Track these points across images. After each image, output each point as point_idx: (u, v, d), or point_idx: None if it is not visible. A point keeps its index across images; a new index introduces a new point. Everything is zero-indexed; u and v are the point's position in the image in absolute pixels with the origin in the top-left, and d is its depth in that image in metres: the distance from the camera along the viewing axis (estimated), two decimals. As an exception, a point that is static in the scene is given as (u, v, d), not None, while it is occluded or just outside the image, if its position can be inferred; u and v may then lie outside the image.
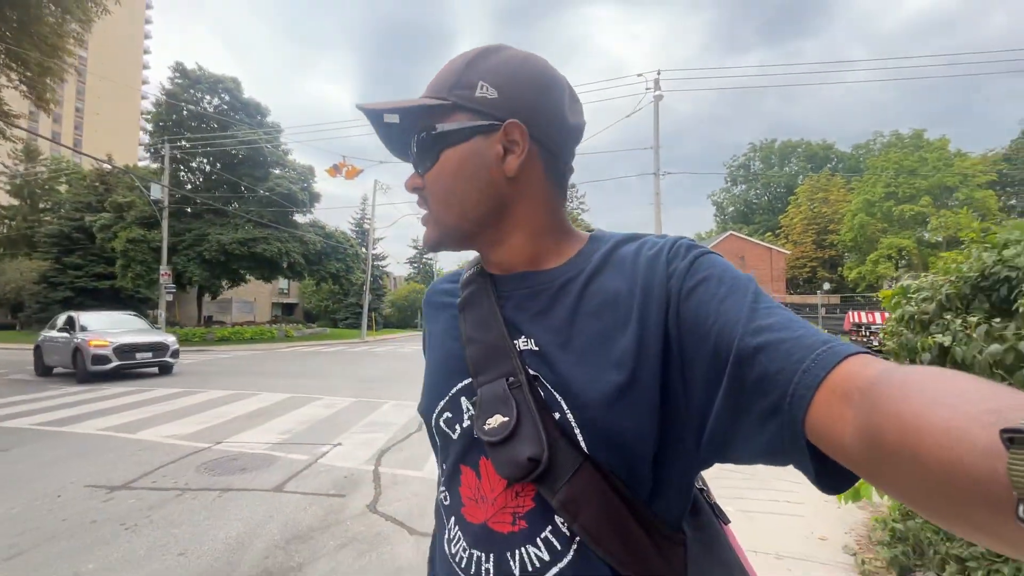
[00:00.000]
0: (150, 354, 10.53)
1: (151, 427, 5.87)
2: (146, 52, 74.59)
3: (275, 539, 2.99)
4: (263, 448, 4.98)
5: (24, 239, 36.58)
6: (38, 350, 11.12)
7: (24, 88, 11.85)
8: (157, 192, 22.52)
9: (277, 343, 23.62)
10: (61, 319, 11.24)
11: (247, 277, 27.43)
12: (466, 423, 0.58)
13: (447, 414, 0.60)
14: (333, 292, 37.01)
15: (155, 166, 26.52)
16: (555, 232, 0.62)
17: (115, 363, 9.86)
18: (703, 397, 0.48)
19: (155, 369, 10.99)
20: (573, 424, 0.52)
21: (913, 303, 2.17)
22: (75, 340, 9.97)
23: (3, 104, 12.08)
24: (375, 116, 0.59)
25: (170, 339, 11.15)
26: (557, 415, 0.53)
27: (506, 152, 0.57)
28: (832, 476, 0.40)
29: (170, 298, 22.21)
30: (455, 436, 0.59)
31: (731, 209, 61.16)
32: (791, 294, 39.72)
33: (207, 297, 29.07)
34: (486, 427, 0.53)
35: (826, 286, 37.91)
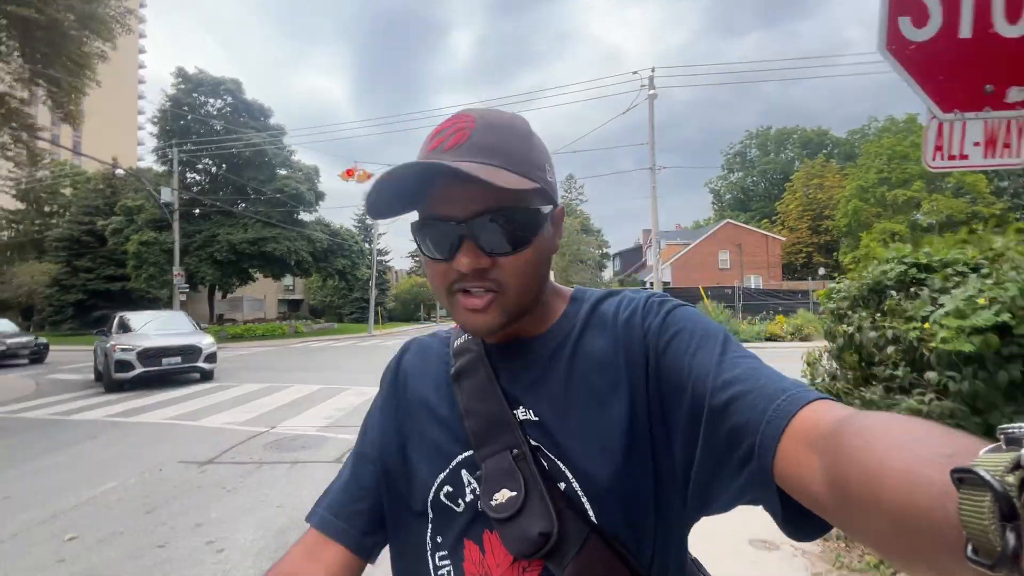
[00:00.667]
0: (179, 359, 9.47)
1: (207, 416, 6.65)
2: (141, 51, 74.59)
3: None
4: (314, 430, 5.76)
5: (32, 243, 37.16)
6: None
7: (51, 103, 12.51)
8: (167, 195, 23.16)
9: (288, 339, 24.39)
10: (115, 321, 10.63)
11: (256, 275, 28.20)
12: (469, 497, 0.57)
13: (447, 488, 0.58)
14: (338, 288, 37.74)
15: (161, 169, 27.11)
16: (549, 294, 0.63)
17: (138, 370, 8.89)
18: (685, 452, 0.49)
19: (195, 375, 10.03)
20: (580, 494, 0.52)
21: (834, 301, 2.92)
22: (107, 344, 9.23)
23: (31, 119, 12.77)
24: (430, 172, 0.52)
25: (204, 341, 10.07)
26: (562, 485, 0.53)
27: (554, 231, 0.60)
28: (799, 522, 0.41)
29: (183, 298, 22.96)
30: (459, 510, 0.57)
31: (728, 197, 61.78)
32: (787, 279, 40.47)
33: (217, 296, 29.77)
34: (493, 503, 0.52)
35: (821, 271, 38.63)
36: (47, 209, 39.86)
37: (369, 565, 0.64)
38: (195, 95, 26.65)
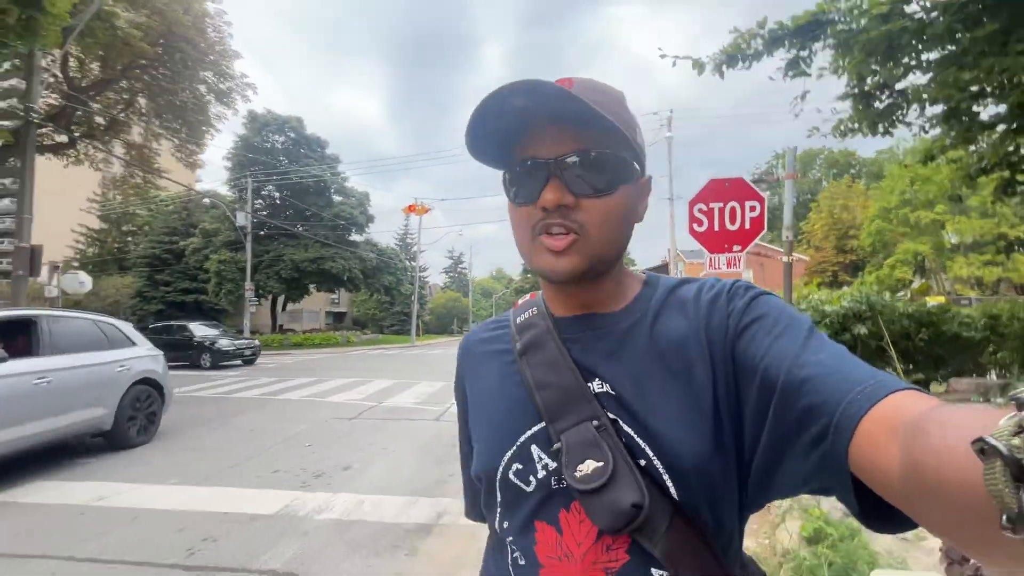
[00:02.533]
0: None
1: (331, 395, 9.22)
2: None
3: (444, 442, 6.13)
4: (411, 405, 8.23)
5: (114, 259, 41.72)
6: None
7: (177, 154, 15.75)
8: (241, 219, 26.60)
9: (342, 347, 27.31)
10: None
11: (311, 289, 31.44)
12: (541, 474, 0.55)
13: (517, 465, 0.56)
14: (381, 301, 40.83)
15: (230, 196, 30.79)
16: (624, 274, 0.62)
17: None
18: (753, 432, 0.49)
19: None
20: (662, 471, 0.50)
21: (825, 321, 5.06)
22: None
23: (156, 163, 16.04)
24: (532, 92, 0.50)
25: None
26: (642, 461, 0.51)
27: (639, 200, 0.60)
28: (878, 513, 0.40)
29: (254, 310, 26.26)
30: (530, 489, 0.55)
31: (755, 215, 62.68)
32: (812, 298, 41.27)
33: (278, 308, 33.17)
34: (578, 474, 0.50)
35: (845, 289, 39.47)
36: (124, 228, 44.69)
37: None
38: (263, 133, 30.33)
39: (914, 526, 0.38)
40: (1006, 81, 3.06)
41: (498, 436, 0.59)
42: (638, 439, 0.52)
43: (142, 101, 14.84)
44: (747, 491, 0.52)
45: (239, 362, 16.08)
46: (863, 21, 2.99)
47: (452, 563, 2.96)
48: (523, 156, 0.56)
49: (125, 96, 14.52)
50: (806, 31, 3.28)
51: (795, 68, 3.65)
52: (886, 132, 3.83)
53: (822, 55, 3.54)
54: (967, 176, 4.51)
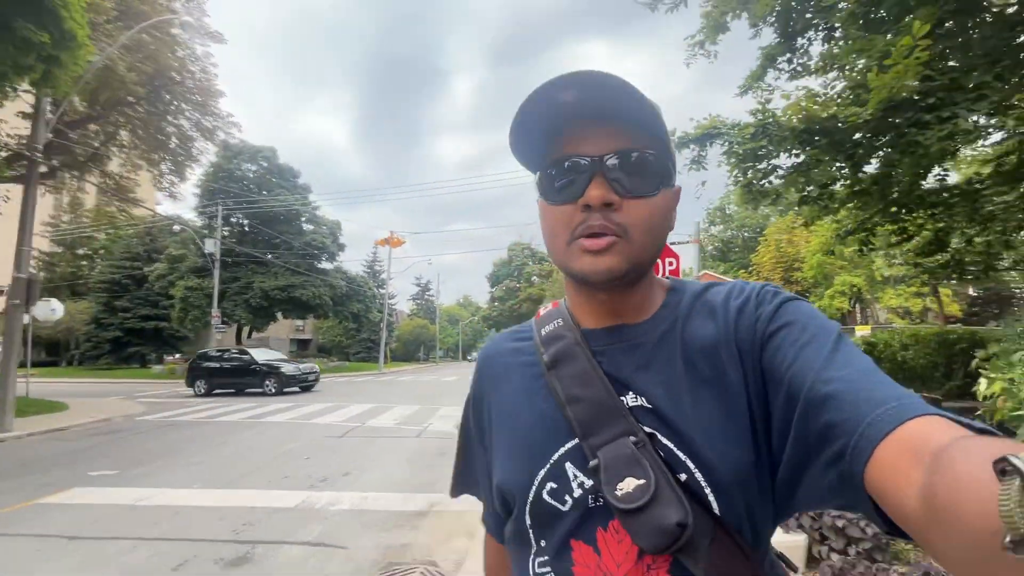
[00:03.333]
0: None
1: (313, 419, 9.88)
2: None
3: (427, 453, 7.01)
4: (392, 425, 9.02)
5: (66, 284, 40.32)
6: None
7: (157, 184, 16.24)
8: (210, 246, 26.71)
9: (310, 375, 27.37)
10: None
11: (277, 316, 31.43)
12: (577, 492, 0.53)
13: (551, 484, 0.54)
14: (348, 328, 40.89)
15: (199, 222, 30.79)
16: (654, 281, 0.61)
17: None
18: (779, 443, 0.48)
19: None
20: (704, 485, 0.49)
21: None
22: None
23: (134, 193, 16.45)
24: (596, 85, 0.50)
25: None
26: (683, 476, 0.49)
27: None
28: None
29: (220, 337, 26.13)
30: (565, 508, 0.53)
31: (710, 248, 66.31)
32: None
33: (243, 335, 32.87)
34: (619, 492, 0.48)
35: (791, 319, 42.16)
36: (80, 252, 43.34)
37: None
38: (235, 161, 30.70)
39: None
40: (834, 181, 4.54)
41: (529, 455, 0.56)
42: (678, 452, 0.50)
43: (124, 134, 15.37)
44: (776, 500, 0.50)
45: (297, 388, 15.72)
46: (739, 138, 4.33)
47: (446, 534, 3.88)
48: (564, 153, 0.54)
49: (109, 129, 15.04)
50: (703, 139, 4.63)
51: (697, 164, 5.00)
52: (769, 206, 5.13)
53: (716, 150, 4.93)
54: (837, 235, 5.95)
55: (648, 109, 0.52)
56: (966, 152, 7.30)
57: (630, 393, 0.54)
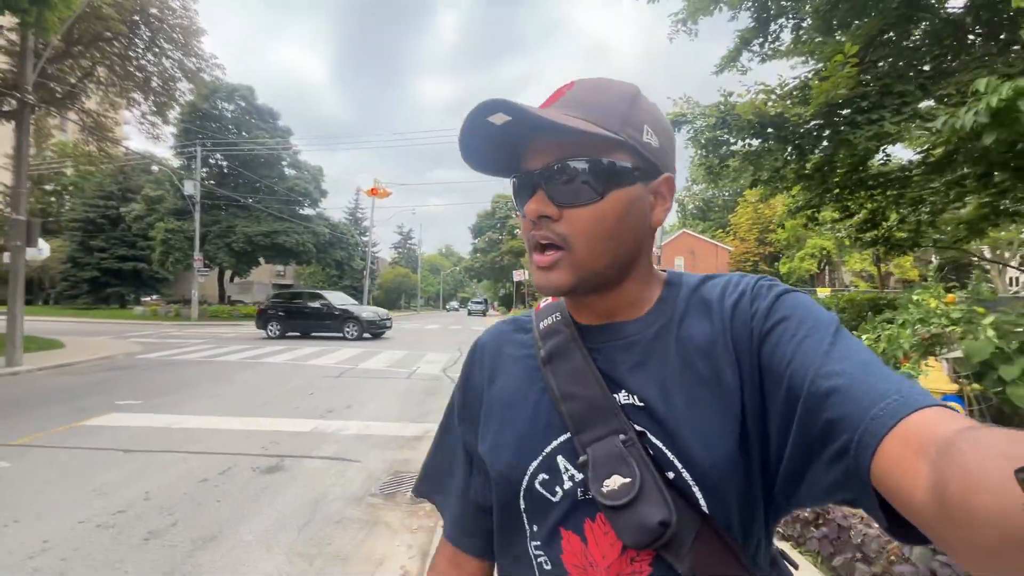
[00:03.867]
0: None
1: (308, 361, 10.63)
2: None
3: (417, 392, 7.84)
4: (383, 367, 9.84)
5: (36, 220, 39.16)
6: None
7: (141, 126, 16.03)
8: (190, 188, 26.33)
9: (294, 320, 27.93)
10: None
11: (260, 261, 31.52)
12: (567, 484, 0.55)
13: (543, 475, 0.56)
14: (329, 275, 41.16)
15: (175, 163, 30.07)
16: (650, 277, 0.61)
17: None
18: (778, 440, 0.48)
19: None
20: (691, 483, 0.50)
21: None
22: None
23: (111, 132, 16.24)
24: (499, 110, 0.50)
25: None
26: (671, 474, 0.51)
27: (655, 202, 0.57)
28: (904, 526, 0.38)
29: (203, 280, 26.30)
30: (556, 499, 0.55)
31: (691, 207, 67.27)
32: (734, 285, 45.87)
33: (226, 279, 32.96)
34: (605, 489, 0.50)
35: (761, 279, 43.97)
36: (47, 187, 41.84)
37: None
38: (211, 99, 29.65)
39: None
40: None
41: (524, 445, 0.58)
42: (667, 451, 0.51)
43: (101, 71, 14.99)
44: (774, 498, 0.51)
45: (369, 336, 15.74)
46: (702, 126, 4.95)
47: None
48: (519, 169, 0.57)
49: (84, 65, 14.66)
50: (673, 124, 5.24)
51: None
52: (729, 184, 5.81)
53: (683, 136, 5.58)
54: (788, 211, 6.73)
55: (607, 105, 0.53)
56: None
57: (623, 391, 0.55)
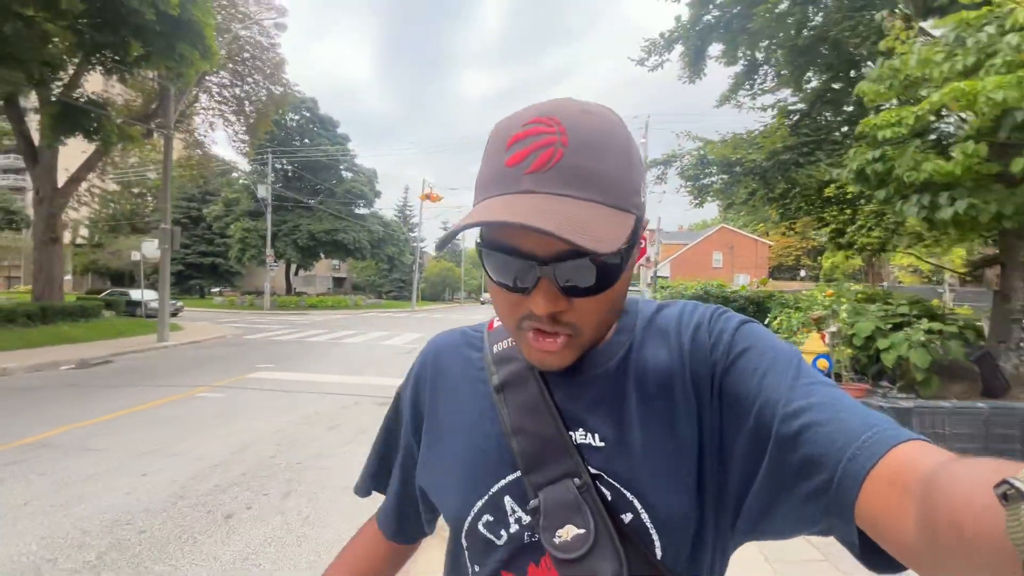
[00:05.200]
0: None
1: (381, 342, 12.93)
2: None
3: None
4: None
5: (127, 220, 44.14)
6: None
7: (233, 144, 18.81)
8: (262, 191, 29.57)
9: (353, 310, 30.88)
10: None
11: (321, 256, 34.74)
12: (513, 528, 0.53)
13: (487, 517, 0.53)
14: (381, 269, 44.27)
15: (248, 168, 33.56)
16: None
17: None
18: (741, 476, 0.47)
19: None
20: (649, 527, 0.49)
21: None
22: None
23: (208, 148, 19.11)
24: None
25: None
26: (627, 517, 0.49)
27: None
28: (881, 555, 0.38)
29: (272, 273, 29.57)
30: (500, 542, 0.53)
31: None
32: (775, 279, 45.80)
33: (292, 273, 36.46)
34: (557, 540, 0.49)
35: (802, 273, 43.92)
36: (135, 191, 46.89)
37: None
38: (280, 111, 32.90)
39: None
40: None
41: (468, 482, 0.55)
42: (626, 493, 0.49)
43: (203, 97, 17.83)
44: (734, 533, 0.50)
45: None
46: (688, 164, 6.66)
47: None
48: (507, 243, 0.47)
49: (192, 95, 17.51)
50: (665, 163, 7.00)
51: (660, 180, 7.43)
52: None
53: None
54: (771, 222, 8.33)
55: (609, 166, 0.46)
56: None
57: (580, 429, 0.52)
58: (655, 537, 0.49)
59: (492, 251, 0.48)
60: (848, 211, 7.34)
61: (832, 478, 0.39)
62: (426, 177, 43.83)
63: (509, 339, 0.59)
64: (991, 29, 3.55)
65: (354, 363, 9.48)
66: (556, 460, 0.51)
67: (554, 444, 0.52)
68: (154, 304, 18.07)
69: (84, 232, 42.69)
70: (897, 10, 4.68)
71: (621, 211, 0.46)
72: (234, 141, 18.46)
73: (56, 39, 10.44)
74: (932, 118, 4.14)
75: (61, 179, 13.87)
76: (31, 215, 34.42)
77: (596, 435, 0.52)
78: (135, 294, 21.01)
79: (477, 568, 0.56)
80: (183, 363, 9.26)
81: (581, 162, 0.45)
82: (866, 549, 0.39)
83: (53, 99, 11.03)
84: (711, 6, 6.61)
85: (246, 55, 16.32)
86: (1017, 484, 0.24)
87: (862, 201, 7.10)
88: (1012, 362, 5.54)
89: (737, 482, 0.48)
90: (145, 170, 45.73)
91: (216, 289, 37.11)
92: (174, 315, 20.70)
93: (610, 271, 0.48)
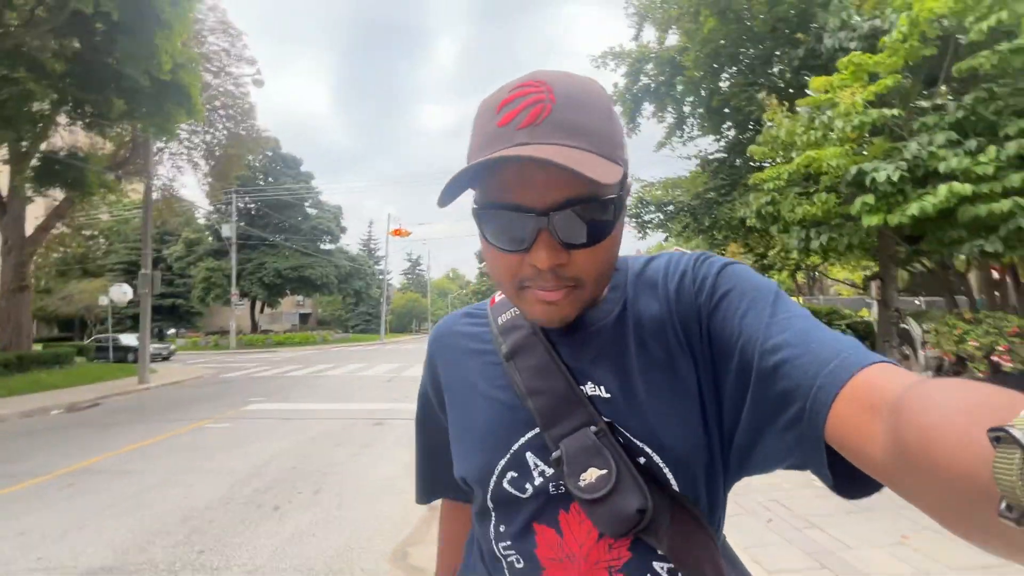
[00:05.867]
0: None
1: (359, 373, 13.54)
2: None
3: None
4: (419, 375, 12.75)
5: (77, 264, 42.68)
6: None
7: (203, 187, 19.27)
8: (227, 230, 29.70)
9: (321, 345, 30.93)
10: None
11: (287, 292, 34.74)
12: (538, 480, 0.55)
13: (512, 473, 0.56)
14: (347, 303, 44.34)
15: (210, 207, 33.58)
16: None
17: None
18: (732, 412, 0.50)
19: None
20: (663, 466, 0.52)
21: None
22: None
23: (176, 192, 19.47)
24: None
25: None
26: (642, 459, 0.52)
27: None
28: (852, 484, 0.41)
29: (238, 312, 29.46)
30: (526, 496, 0.56)
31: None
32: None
33: (258, 311, 36.17)
34: (582, 483, 0.51)
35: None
36: (86, 233, 45.50)
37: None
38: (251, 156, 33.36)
39: (880, 488, 0.40)
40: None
41: (488, 444, 0.58)
42: (635, 439, 0.53)
43: (172, 144, 18.31)
44: (729, 467, 0.54)
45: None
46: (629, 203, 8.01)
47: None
48: (503, 199, 0.49)
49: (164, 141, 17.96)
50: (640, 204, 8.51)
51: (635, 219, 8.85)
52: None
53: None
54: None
55: (595, 120, 0.49)
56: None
57: (589, 383, 0.55)
58: (669, 475, 0.52)
59: (490, 210, 0.50)
60: (766, 238, 8.82)
61: (804, 407, 0.42)
62: (388, 209, 44.79)
63: (513, 310, 0.62)
64: (830, 112, 4.93)
65: (340, 392, 10.15)
66: (572, 413, 0.54)
67: (568, 399, 0.55)
68: (154, 348, 18.29)
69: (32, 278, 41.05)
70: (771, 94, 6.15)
71: (610, 160, 0.48)
72: (203, 184, 18.88)
73: (38, 99, 10.97)
74: (803, 171, 5.49)
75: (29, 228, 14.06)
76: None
77: (603, 387, 0.55)
78: (125, 339, 21.28)
79: (503, 527, 0.58)
80: (173, 402, 9.70)
81: (569, 115, 0.47)
82: (840, 481, 0.42)
83: (37, 155, 11.45)
84: (642, 75, 8.06)
85: (217, 103, 17.03)
86: (1015, 433, 0.25)
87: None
88: (894, 355, 6.93)
89: (729, 419, 0.52)
90: (97, 213, 44.75)
91: (172, 331, 36.29)
92: (166, 359, 20.64)
93: (605, 221, 0.50)
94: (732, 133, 8.10)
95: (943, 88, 5.25)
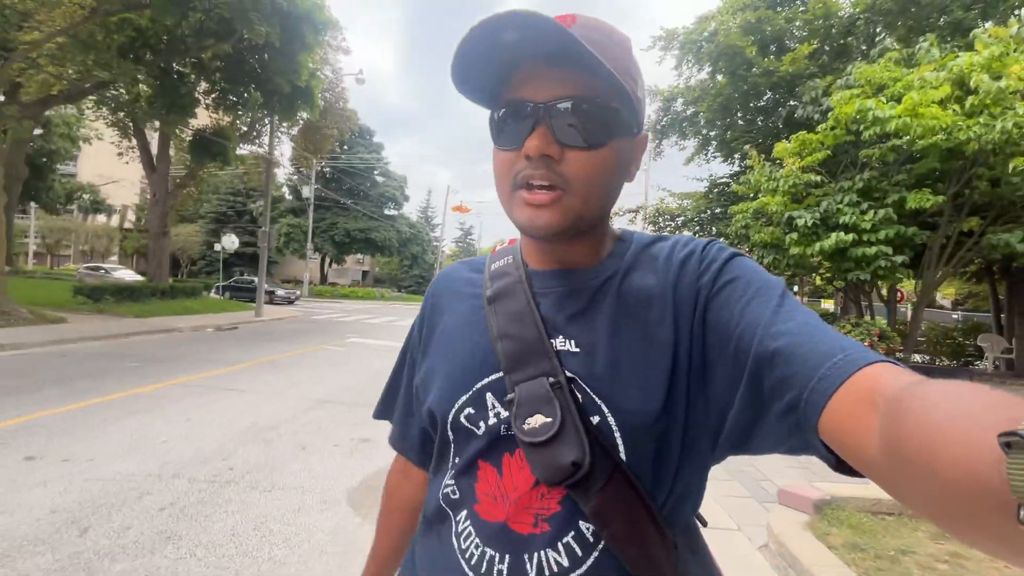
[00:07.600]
0: None
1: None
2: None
3: None
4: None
5: (177, 211, 48.13)
6: None
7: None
8: (307, 192, 33.40)
9: (381, 301, 34.59)
10: None
11: (353, 252, 38.60)
12: (491, 420, 0.57)
13: (469, 409, 0.59)
14: (404, 265, 48.18)
15: (290, 168, 37.49)
16: (607, 230, 0.63)
17: None
18: (724, 397, 0.50)
19: None
20: (614, 429, 0.53)
21: None
22: None
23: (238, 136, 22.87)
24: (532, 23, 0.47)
25: None
26: (595, 419, 0.53)
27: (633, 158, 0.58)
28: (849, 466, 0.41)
29: (311, 265, 33.40)
30: (479, 432, 0.58)
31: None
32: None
33: (326, 265, 40.37)
34: (526, 427, 0.53)
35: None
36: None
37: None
38: (323, 120, 36.82)
39: None
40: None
41: (455, 379, 0.60)
42: (595, 397, 0.53)
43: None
44: (707, 446, 0.54)
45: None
46: (649, 213, 10.26)
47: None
48: (512, 96, 0.54)
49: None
50: (634, 211, 10.65)
51: (632, 223, 11.07)
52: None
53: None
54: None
55: (613, 50, 0.52)
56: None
57: (560, 337, 0.57)
58: (618, 439, 0.53)
59: (499, 111, 0.55)
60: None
61: (801, 395, 0.42)
62: (440, 173, 47.55)
63: (507, 258, 0.66)
64: (780, 172, 7.07)
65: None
66: (535, 362, 0.56)
67: (534, 348, 0.56)
68: (281, 292, 23.67)
69: (131, 216, 46.92)
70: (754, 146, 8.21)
71: (620, 75, 0.50)
72: (297, 156, 22.10)
73: (194, 89, 14.12)
74: (759, 210, 7.62)
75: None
76: (114, 205, 38.43)
77: (573, 342, 0.56)
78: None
79: (457, 459, 0.60)
80: (289, 331, 12.90)
81: (590, 34, 0.50)
82: (841, 463, 0.41)
83: (191, 133, 14.75)
84: (667, 113, 10.15)
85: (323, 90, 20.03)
86: None
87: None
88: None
89: (720, 402, 0.51)
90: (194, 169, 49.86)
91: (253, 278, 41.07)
92: (291, 303, 24.57)
93: (602, 127, 0.52)
94: (737, 164, 10.07)
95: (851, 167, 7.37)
